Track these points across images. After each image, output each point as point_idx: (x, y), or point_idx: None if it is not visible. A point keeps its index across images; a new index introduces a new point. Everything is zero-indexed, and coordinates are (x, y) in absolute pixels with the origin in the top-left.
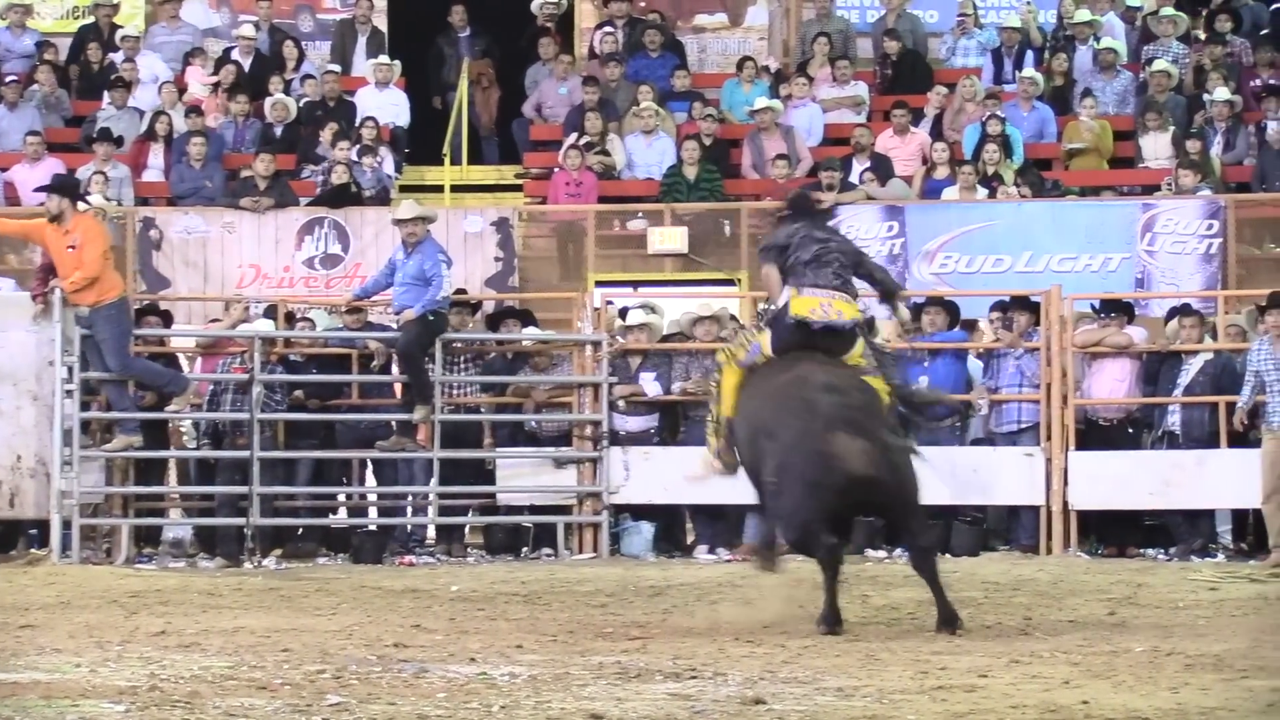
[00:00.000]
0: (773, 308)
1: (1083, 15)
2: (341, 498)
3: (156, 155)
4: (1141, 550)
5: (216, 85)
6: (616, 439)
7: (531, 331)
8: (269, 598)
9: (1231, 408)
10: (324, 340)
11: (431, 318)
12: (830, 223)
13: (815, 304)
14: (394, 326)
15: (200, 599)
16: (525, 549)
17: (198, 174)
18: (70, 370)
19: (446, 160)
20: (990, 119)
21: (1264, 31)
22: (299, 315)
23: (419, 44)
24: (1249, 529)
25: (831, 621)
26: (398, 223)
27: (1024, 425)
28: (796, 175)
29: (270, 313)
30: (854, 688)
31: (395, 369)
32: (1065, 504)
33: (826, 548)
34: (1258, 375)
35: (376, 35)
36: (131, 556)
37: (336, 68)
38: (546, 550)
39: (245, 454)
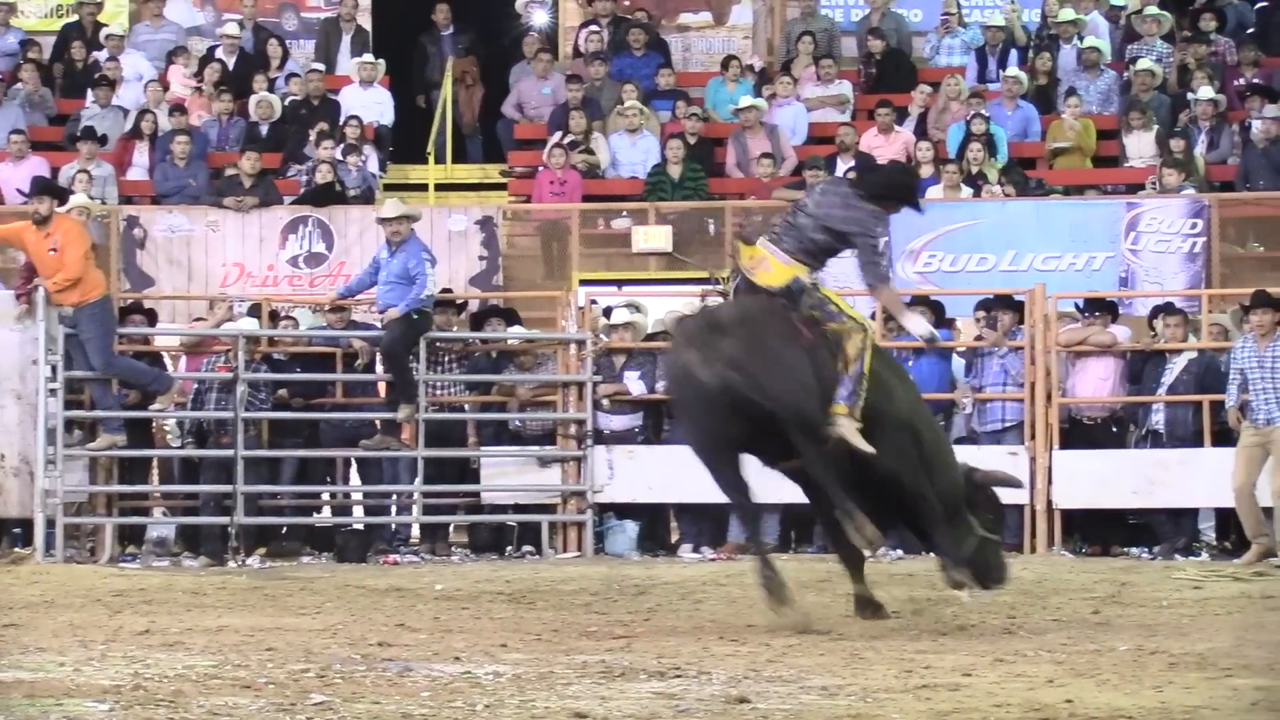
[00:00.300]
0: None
1: (1067, 14)
2: (326, 496)
3: (141, 154)
4: (1125, 549)
5: (200, 84)
6: (601, 438)
7: (516, 330)
8: (253, 597)
9: (1215, 406)
10: (308, 339)
11: (415, 316)
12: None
13: (757, 253)
14: (378, 325)
15: (184, 598)
16: (509, 548)
17: (182, 172)
18: (54, 369)
19: (431, 159)
20: (975, 118)
21: (1248, 30)
22: (282, 314)
23: (403, 42)
24: (1232, 528)
25: (771, 586)
26: (382, 221)
27: (1008, 424)
28: (781, 174)
29: (254, 311)
30: (838, 686)
31: (379, 368)
32: (1049, 503)
33: (727, 485)
34: (1242, 373)
35: (361, 34)
36: (115, 555)
37: (321, 66)
38: (530, 549)
39: (230, 453)
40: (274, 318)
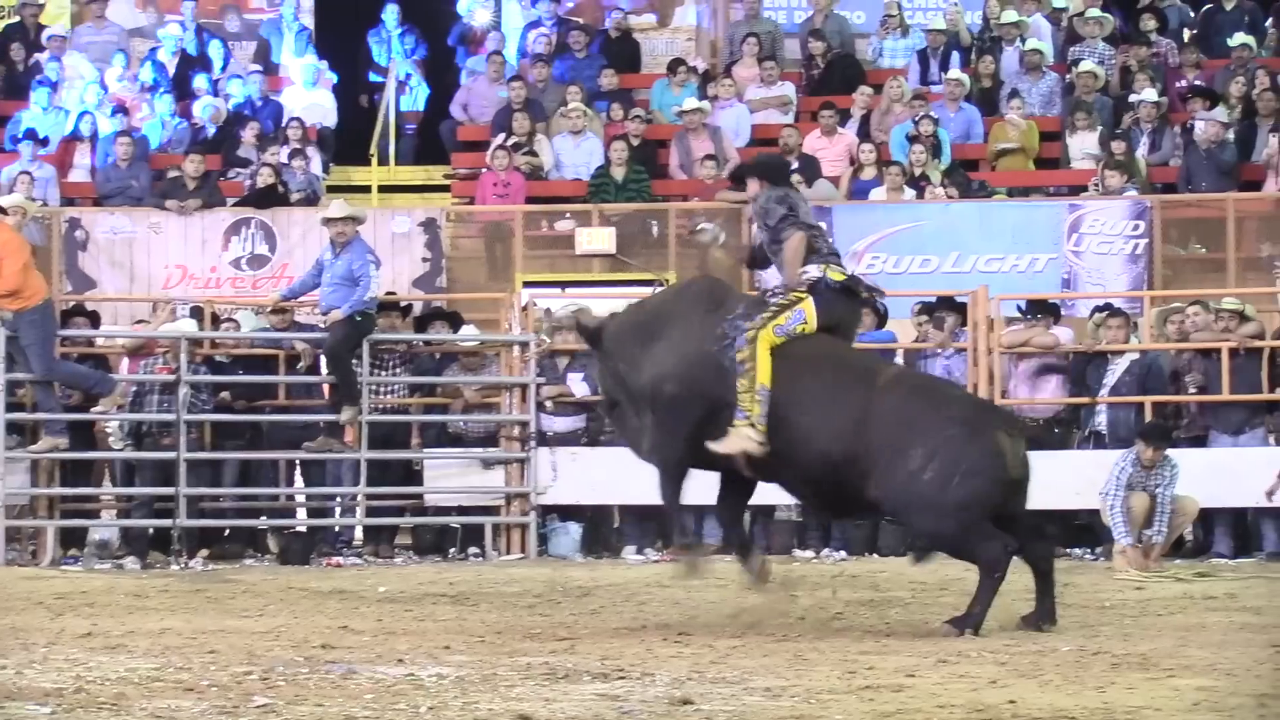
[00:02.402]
0: (807, 275)
1: (1009, 16)
2: (268, 499)
3: (82, 155)
4: (1068, 550)
5: (141, 85)
6: (544, 440)
7: (459, 332)
8: (195, 599)
9: (1157, 408)
10: (250, 341)
11: (359, 318)
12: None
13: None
14: (320, 327)
15: (126, 600)
16: (453, 550)
17: (124, 174)
18: None
19: (374, 160)
20: (923, 119)
21: (1190, 32)
22: (223, 316)
23: (346, 42)
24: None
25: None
26: (327, 222)
27: None
28: (724, 176)
29: (196, 313)
30: (782, 688)
31: (323, 370)
32: None
33: (1002, 545)
34: (1128, 479)
35: (302, 35)
36: (57, 558)
37: (259, 68)
38: (474, 551)
39: (172, 455)
40: (215, 320)
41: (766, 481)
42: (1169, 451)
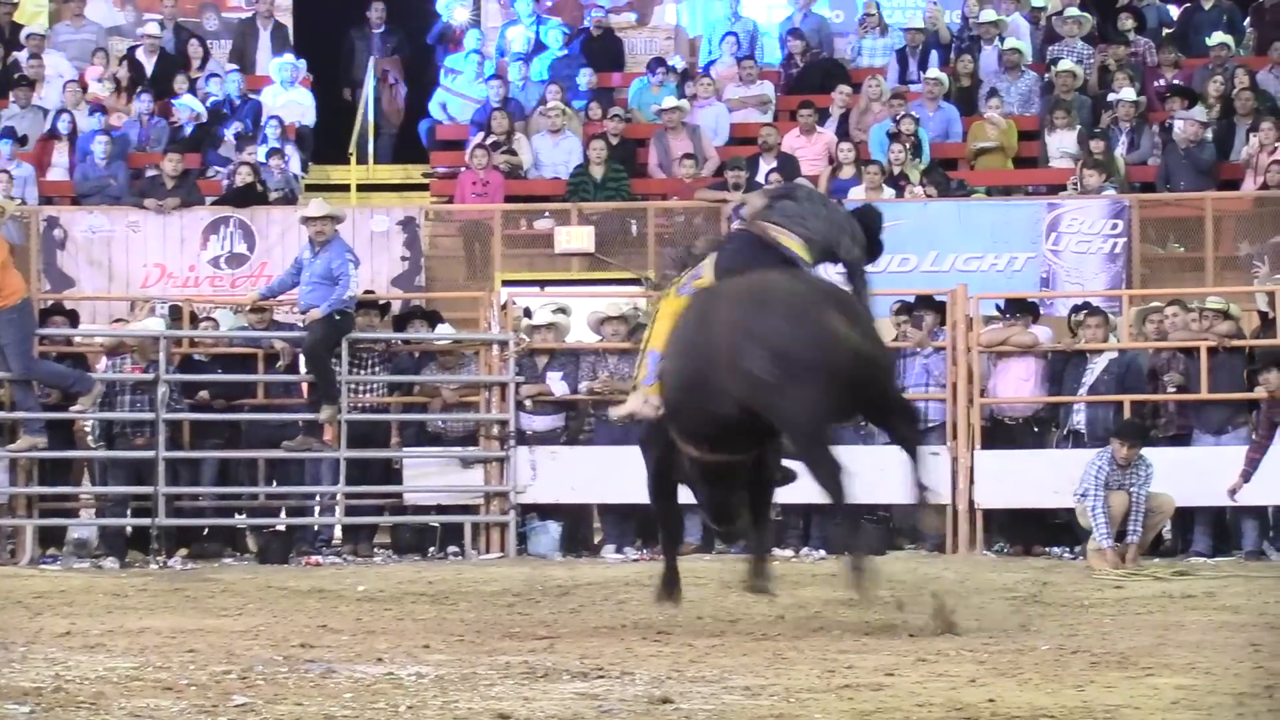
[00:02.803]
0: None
1: (988, 15)
2: (247, 498)
3: (61, 154)
4: (1047, 549)
5: (119, 84)
6: (523, 439)
7: (438, 331)
8: (174, 598)
9: (1135, 407)
10: (229, 340)
11: (338, 317)
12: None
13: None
14: (299, 325)
15: (105, 600)
16: (432, 549)
17: (102, 173)
18: None
19: (353, 159)
20: (904, 118)
21: (1167, 31)
22: (201, 315)
23: (325, 40)
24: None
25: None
26: (307, 221)
27: (930, 424)
28: (703, 175)
29: (175, 312)
30: (761, 686)
31: (301, 369)
32: (971, 503)
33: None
34: (1105, 478)
35: (280, 33)
36: (36, 557)
37: (236, 67)
38: (453, 550)
39: (150, 454)
40: (193, 319)
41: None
42: (1144, 450)
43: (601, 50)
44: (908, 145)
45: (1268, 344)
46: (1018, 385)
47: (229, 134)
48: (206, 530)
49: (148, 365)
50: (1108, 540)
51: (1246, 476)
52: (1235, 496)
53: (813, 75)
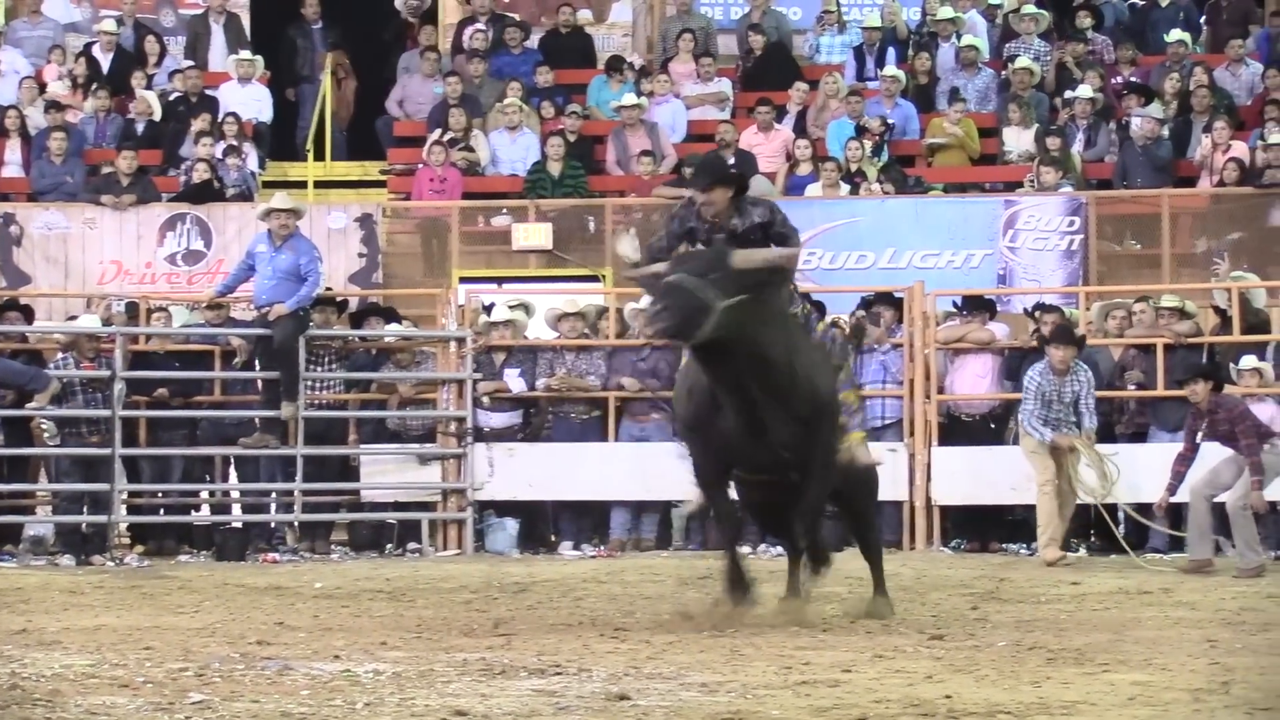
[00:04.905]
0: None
1: (946, 12)
2: (205, 494)
3: (15, 151)
4: (1003, 545)
5: (75, 81)
6: (481, 435)
7: (395, 328)
8: (131, 595)
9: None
10: (185, 336)
11: (302, 314)
12: None
13: None
14: (250, 321)
15: (61, 597)
16: (389, 546)
17: (59, 169)
18: None
19: (310, 156)
20: (874, 118)
21: (1124, 27)
22: (153, 309)
23: (277, 37)
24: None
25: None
26: (272, 214)
27: (887, 421)
28: (661, 172)
29: (131, 308)
30: (718, 683)
31: (257, 365)
32: (928, 499)
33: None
34: (1042, 395)
35: (234, 29)
36: None
37: (190, 63)
38: (411, 547)
39: (106, 451)
40: (149, 315)
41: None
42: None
43: (574, 46)
44: (873, 143)
45: (1225, 340)
46: (974, 382)
47: (194, 130)
48: (163, 527)
49: (98, 360)
50: (1044, 435)
51: (1172, 490)
52: (1160, 510)
53: (769, 67)
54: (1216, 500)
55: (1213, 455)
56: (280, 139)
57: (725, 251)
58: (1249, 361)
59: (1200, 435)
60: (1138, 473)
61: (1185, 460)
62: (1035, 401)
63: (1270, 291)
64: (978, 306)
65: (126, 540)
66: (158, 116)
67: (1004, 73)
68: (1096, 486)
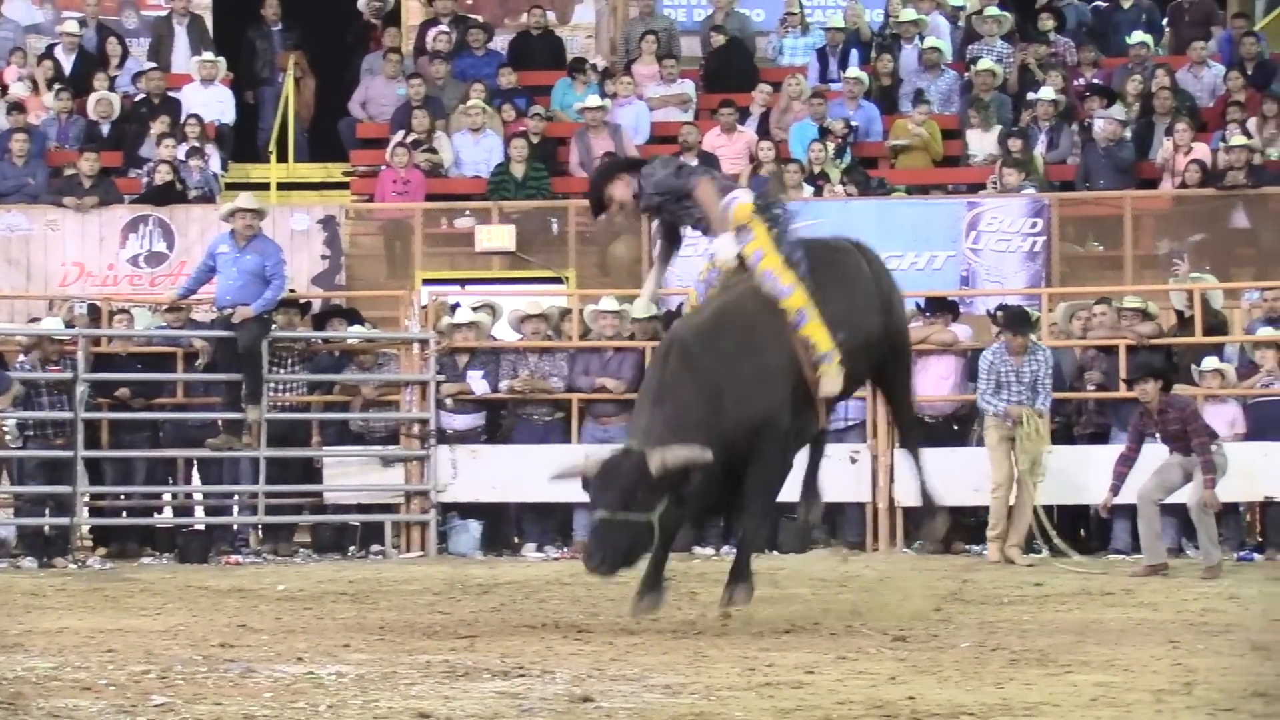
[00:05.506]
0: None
1: (908, 14)
2: (167, 497)
3: None
4: (967, 547)
5: (36, 82)
6: (444, 437)
7: (358, 330)
8: (93, 598)
9: (1056, 404)
10: (148, 338)
11: (266, 317)
12: None
13: None
14: (210, 323)
15: (23, 599)
16: (352, 548)
17: (20, 171)
18: None
19: (273, 157)
20: (835, 120)
21: (1086, 29)
22: (115, 310)
23: (239, 39)
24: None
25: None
26: (236, 214)
27: (850, 423)
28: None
29: (93, 310)
30: (682, 685)
31: (219, 368)
32: (891, 501)
33: None
34: (996, 375)
35: (198, 30)
36: None
37: (153, 64)
38: (374, 549)
39: (69, 453)
40: (111, 317)
41: None
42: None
43: (545, 47)
44: (836, 144)
45: (1186, 341)
46: (938, 383)
47: (155, 131)
48: (126, 529)
49: (60, 362)
50: (998, 407)
51: (1115, 490)
52: (1106, 511)
53: (730, 66)
54: (1169, 502)
55: (1155, 458)
56: (242, 141)
57: (640, 460)
58: (1211, 363)
59: (1150, 435)
60: (1098, 474)
61: (1128, 461)
62: (989, 382)
63: (1229, 293)
64: (941, 308)
65: (89, 542)
66: (115, 115)
67: (966, 75)
68: (1026, 470)
